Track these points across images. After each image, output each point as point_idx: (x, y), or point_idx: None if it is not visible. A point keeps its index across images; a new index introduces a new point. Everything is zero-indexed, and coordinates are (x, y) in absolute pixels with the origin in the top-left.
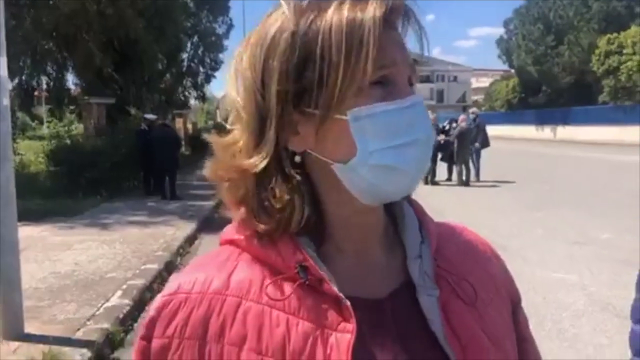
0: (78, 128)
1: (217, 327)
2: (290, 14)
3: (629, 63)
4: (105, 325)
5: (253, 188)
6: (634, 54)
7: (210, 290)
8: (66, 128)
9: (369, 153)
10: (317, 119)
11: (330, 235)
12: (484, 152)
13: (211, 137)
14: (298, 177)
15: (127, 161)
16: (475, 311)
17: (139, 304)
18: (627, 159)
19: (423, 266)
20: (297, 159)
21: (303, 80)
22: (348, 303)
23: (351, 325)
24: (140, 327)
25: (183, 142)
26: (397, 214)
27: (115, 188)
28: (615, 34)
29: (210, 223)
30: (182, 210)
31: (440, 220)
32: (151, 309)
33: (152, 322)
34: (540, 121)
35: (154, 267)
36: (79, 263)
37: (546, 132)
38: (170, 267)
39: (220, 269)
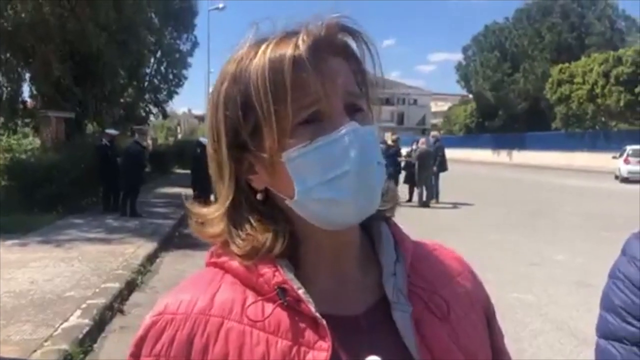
0: (34, 142)
1: (201, 346)
2: (228, 65)
3: (580, 92)
4: (64, 346)
5: (228, 226)
6: (584, 83)
7: (194, 311)
8: (18, 142)
9: (309, 189)
10: (266, 161)
11: (307, 257)
12: (443, 175)
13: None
14: (265, 210)
15: (86, 177)
16: (448, 325)
17: (100, 324)
18: (577, 184)
19: (397, 283)
20: (259, 196)
21: (248, 127)
22: (324, 322)
23: (327, 344)
24: (130, 345)
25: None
26: (375, 233)
27: (72, 204)
28: (566, 64)
29: (171, 241)
30: (142, 227)
31: (417, 239)
32: (140, 329)
33: (141, 341)
34: (497, 145)
35: (115, 285)
36: (35, 281)
37: (502, 155)
38: (131, 286)
39: (205, 289)
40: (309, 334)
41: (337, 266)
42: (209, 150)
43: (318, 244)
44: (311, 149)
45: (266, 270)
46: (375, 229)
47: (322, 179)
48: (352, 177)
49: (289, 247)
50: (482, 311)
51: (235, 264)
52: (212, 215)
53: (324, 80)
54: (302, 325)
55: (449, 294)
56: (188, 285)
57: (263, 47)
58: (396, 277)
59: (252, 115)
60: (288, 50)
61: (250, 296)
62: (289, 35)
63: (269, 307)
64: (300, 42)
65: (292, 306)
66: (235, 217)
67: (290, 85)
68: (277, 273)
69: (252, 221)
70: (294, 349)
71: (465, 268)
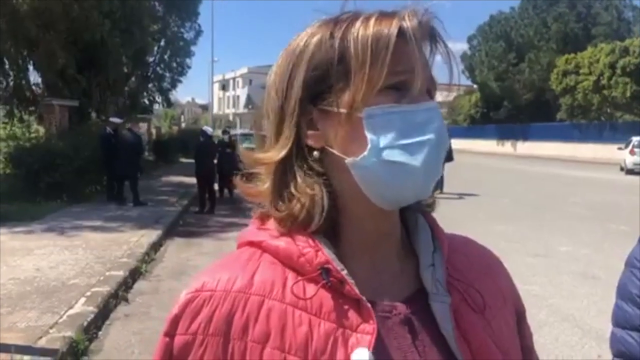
0: (38, 130)
1: (240, 325)
2: (323, 22)
3: (585, 83)
4: (69, 334)
5: (274, 180)
6: (590, 74)
7: (234, 289)
8: (23, 130)
9: (380, 149)
10: (340, 117)
11: (346, 239)
12: (448, 165)
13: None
14: (319, 169)
15: (90, 165)
16: (483, 319)
17: (104, 311)
18: (582, 175)
19: (435, 274)
20: (316, 154)
21: (328, 81)
22: (368, 305)
23: (371, 327)
24: (164, 323)
25: (147, 147)
26: (410, 224)
27: (77, 192)
28: (572, 55)
29: (176, 229)
30: (147, 216)
31: (450, 232)
32: (175, 307)
33: (176, 319)
34: (501, 136)
35: (119, 273)
36: (39, 269)
37: (507, 146)
38: (135, 274)
39: (243, 268)
40: (353, 316)
41: (375, 254)
42: (274, 98)
43: (361, 227)
44: (397, 110)
45: (308, 250)
46: (411, 219)
47: (398, 142)
48: (430, 148)
49: (328, 225)
50: (513, 308)
51: (274, 242)
52: (267, 159)
53: (417, 59)
54: (345, 307)
55: (483, 288)
56: (225, 264)
57: (363, 16)
58: (434, 267)
59: (341, 69)
60: (394, 20)
61: (291, 276)
62: (393, 13)
63: (310, 287)
64: (407, 17)
65: (335, 287)
66: (284, 170)
67: (392, 49)
68: (319, 253)
69: (299, 180)
70: (338, 331)
71: (496, 263)
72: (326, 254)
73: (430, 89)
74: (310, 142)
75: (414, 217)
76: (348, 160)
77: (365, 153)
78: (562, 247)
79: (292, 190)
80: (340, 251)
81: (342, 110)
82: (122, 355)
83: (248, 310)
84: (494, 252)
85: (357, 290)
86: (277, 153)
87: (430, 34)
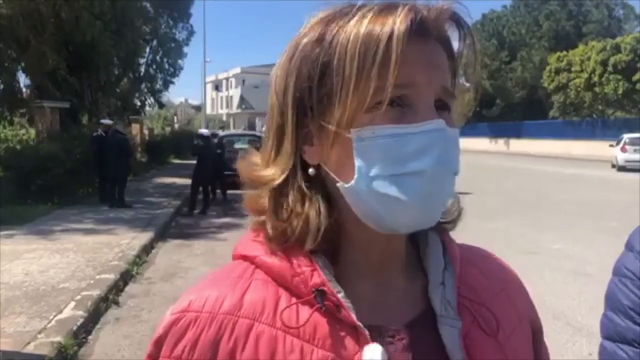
0: (29, 132)
1: (227, 351)
2: (315, 22)
3: (577, 80)
4: (58, 339)
5: (270, 197)
6: (582, 71)
7: (221, 311)
8: (14, 132)
9: (370, 177)
10: (331, 134)
11: (348, 256)
12: None
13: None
14: (316, 186)
15: (82, 167)
16: (496, 342)
17: (94, 316)
18: (574, 172)
19: (445, 294)
20: (311, 171)
21: (321, 92)
22: (366, 332)
23: None
24: (148, 345)
25: (139, 149)
26: (420, 237)
27: (68, 195)
28: (564, 52)
29: (168, 231)
30: (138, 218)
31: (463, 243)
32: (159, 327)
33: (159, 341)
34: (494, 134)
35: (110, 277)
36: (29, 273)
37: (500, 144)
38: (126, 277)
39: (234, 287)
40: (349, 344)
41: (379, 274)
42: (272, 106)
43: (363, 247)
44: (388, 133)
45: (303, 270)
46: (421, 233)
47: (390, 172)
48: (426, 181)
49: (327, 244)
50: (528, 324)
51: (268, 259)
52: (266, 180)
53: (422, 66)
54: (342, 333)
55: (497, 307)
56: (214, 280)
57: (361, 12)
58: (444, 287)
59: (329, 79)
60: (388, 21)
61: (284, 296)
62: (392, 6)
63: (304, 311)
64: (403, 16)
65: (331, 312)
66: (280, 188)
67: (380, 58)
68: (315, 273)
69: (293, 198)
70: None
71: (512, 278)
72: (322, 274)
73: (443, 101)
74: (306, 157)
75: (424, 232)
76: (339, 184)
77: (353, 182)
78: (554, 244)
79: (285, 208)
80: (339, 271)
81: (331, 127)
82: None
83: (236, 335)
84: (511, 268)
85: (353, 316)
86: (276, 174)
87: (458, 23)
